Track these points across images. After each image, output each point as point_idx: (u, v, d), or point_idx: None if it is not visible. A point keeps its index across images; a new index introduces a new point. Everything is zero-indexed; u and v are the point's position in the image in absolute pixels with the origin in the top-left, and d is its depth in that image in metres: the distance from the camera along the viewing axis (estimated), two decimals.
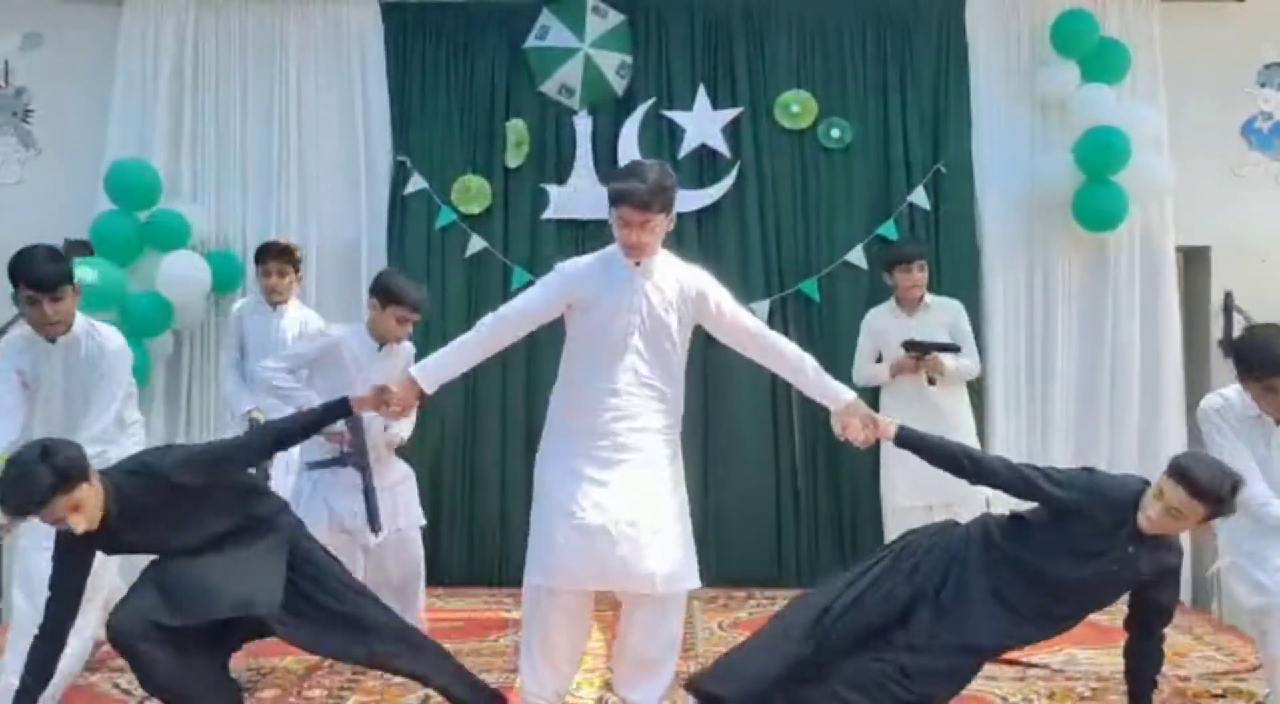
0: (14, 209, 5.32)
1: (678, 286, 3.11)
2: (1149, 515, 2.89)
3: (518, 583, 4.77)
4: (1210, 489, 2.82)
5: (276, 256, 4.47)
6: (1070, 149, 5.02)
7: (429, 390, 3.07)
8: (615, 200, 3.04)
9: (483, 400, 5.20)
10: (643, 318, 3.06)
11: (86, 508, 2.79)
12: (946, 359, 4.50)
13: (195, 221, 5.10)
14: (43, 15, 5.34)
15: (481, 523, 5.19)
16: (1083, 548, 2.93)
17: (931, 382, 4.50)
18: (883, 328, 4.65)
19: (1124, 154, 4.90)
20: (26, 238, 5.04)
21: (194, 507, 2.95)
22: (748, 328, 3.20)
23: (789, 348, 3.21)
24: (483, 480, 5.19)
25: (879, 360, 4.68)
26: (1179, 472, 2.85)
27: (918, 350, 4.49)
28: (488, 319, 3.16)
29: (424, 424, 5.15)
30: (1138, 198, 5.06)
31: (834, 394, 3.15)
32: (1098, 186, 4.97)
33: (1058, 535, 2.97)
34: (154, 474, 2.92)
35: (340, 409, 3.20)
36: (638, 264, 3.08)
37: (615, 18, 5.25)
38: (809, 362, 3.17)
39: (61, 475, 2.74)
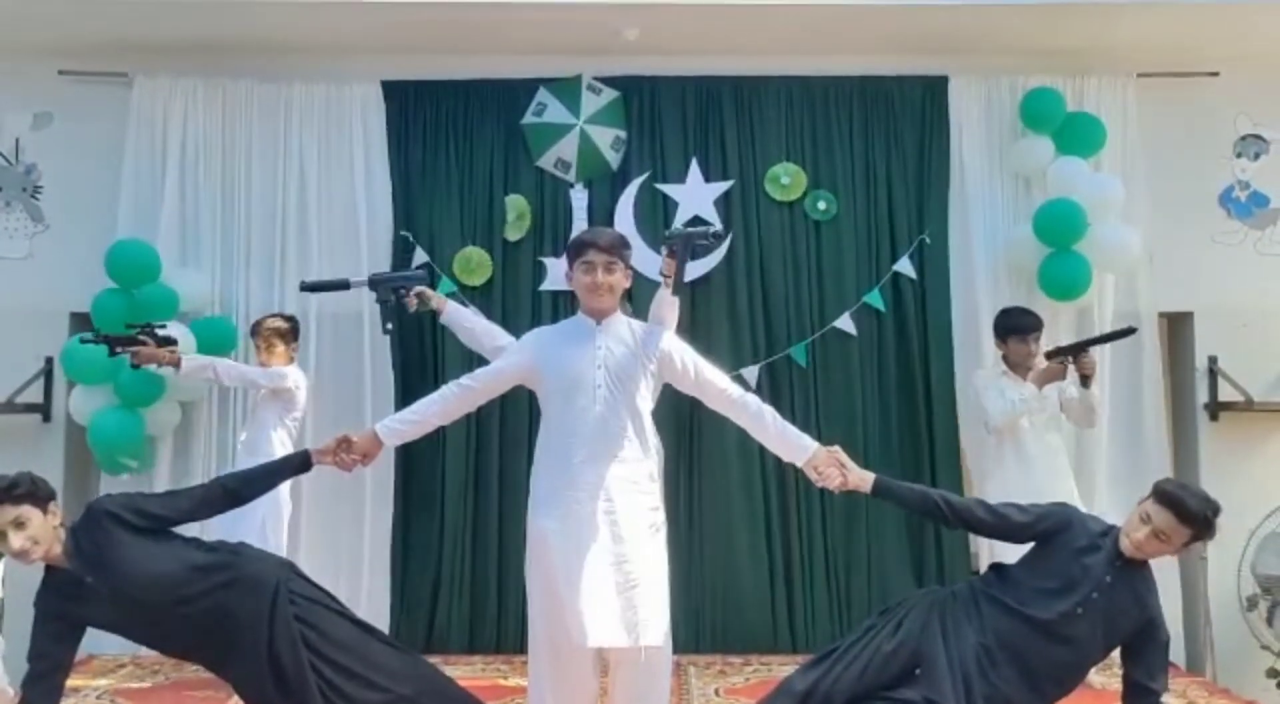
0: (23, 283, 5.43)
1: (640, 342, 3.26)
2: (1135, 539, 3.00)
3: (515, 650, 4.90)
4: (1197, 515, 2.95)
5: (255, 334, 4.76)
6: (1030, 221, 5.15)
7: (390, 445, 3.33)
8: (578, 247, 3.26)
9: (484, 472, 5.27)
10: (608, 371, 3.19)
11: (31, 531, 2.89)
12: (1093, 387, 4.53)
13: (195, 292, 5.19)
14: (53, 95, 5.49)
15: (481, 593, 5.22)
16: (1062, 578, 3.01)
17: (1086, 382, 4.47)
18: (999, 386, 4.59)
19: (1080, 225, 5.01)
20: (35, 310, 5.28)
21: (154, 561, 3.02)
22: (715, 382, 3.32)
23: (752, 401, 3.33)
24: (483, 551, 5.24)
25: None
26: (1165, 497, 2.98)
27: (1064, 354, 4.48)
28: (452, 385, 3.33)
29: (426, 495, 5.28)
30: (1105, 267, 5.16)
31: (798, 445, 3.26)
32: (1061, 257, 5.07)
33: (1040, 575, 3.05)
34: (98, 512, 3.03)
35: (299, 461, 3.33)
36: (599, 322, 3.24)
37: (610, 94, 5.41)
38: (768, 412, 3.29)
39: (11, 483, 2.90)
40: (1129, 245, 5.15)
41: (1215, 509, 3.00)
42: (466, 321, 4.18)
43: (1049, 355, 4.56)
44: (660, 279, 3.59)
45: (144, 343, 4.55)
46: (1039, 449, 4.54)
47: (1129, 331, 4.72)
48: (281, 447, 4.55)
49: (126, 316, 5.00)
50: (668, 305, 3.51)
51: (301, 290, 4.28)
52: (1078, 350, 4.50)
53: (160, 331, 4.62)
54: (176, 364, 4.56)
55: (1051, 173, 5.22)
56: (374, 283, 4.06)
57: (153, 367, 4.64)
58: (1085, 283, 5.10)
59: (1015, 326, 4.63)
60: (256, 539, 4.17)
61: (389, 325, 3.95)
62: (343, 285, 4.18)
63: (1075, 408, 4.62)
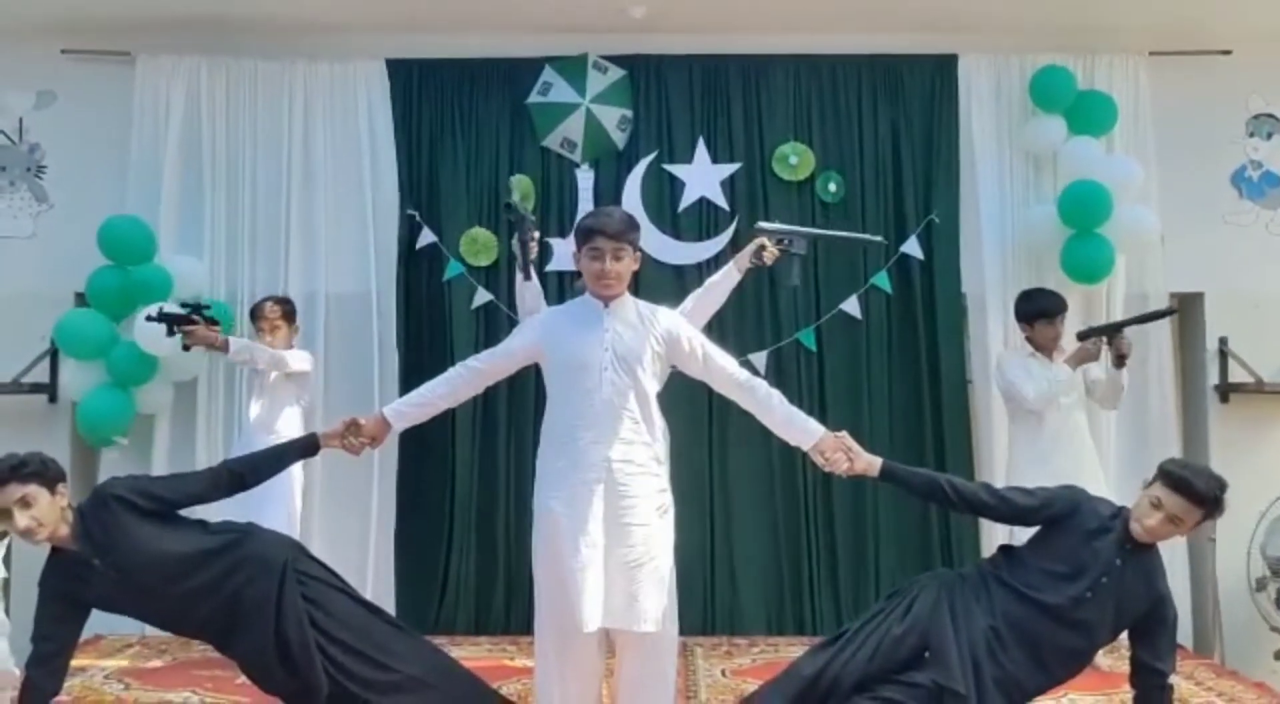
0: (27, 262, 5.42)
1: (648, 324, 3.24)
2: (1148, 526, 2.99)
3: (522, 630, 4.90)
4: (1207, 495, 2.95)
5: (259, 317, 4.71)
6: (1054, 202, 5.10)
7: (398, 428, 3.33)
8: (586, 234, 3.21)
9: (492, 453, 5.27)
10: (615, 354, 3.16)
11: (38, 511, 2.89)
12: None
13: (194, 272, 5.16)
14: (56, 74, 5.46)
15: (488, 574, 5.23)
16: (1072, 562, 3.00)
17: (1120, 363, 4.39)
18: (1027, 367, 4.50)
19: (1106, 207, 4.97)
20: (40, 289, 5.28)
21: (162, 544, 3.03)
22: (722, 366, 3.30)
23: (760, 385, 3.31)
24: (490, 531, 5.24)
25: None
26: (1174, 481, 2.97)
27: (1097, 334, 4.41)
28: (459, 367, 3.32)
29: (433, 477, 5.28)
30: (1124, 248, 5.13)
31: (804, 429, 3.24)
32: (1084, 239, 5.04)
33: (1049, 558, 3.04)
34: (106, 494, 3.04)
35: (307, 445, 3.33)
36: (607, 305, 3.21)
37: (616, 73, 5.37)
38: (776, 397, 3.27)
39: (20, 462, 2.90)
40: (1147, 226, 5.12)
41: (1223, 486, 3.00)
42: (539, 290, 4.20)
43: (1081, 336, 4.49)
44: (738, 266, 3.80)
45: (196, 322, 4.46)
46: (1066, 431, 4.45)
47: (1169, 312, 4.69)
48: (296, 427, 4.55)
49: (123, 295, 4.98)
50: (720, 295, 3.71)
51: (504, 209, 4.39)
52: (1113, 331, 4.43)
53: (206, 312, 4.53)
54: (225, 348, 4.48)
55: (1064, 153, 5.17)
56: (526, 220, 4.02)
57: (202, 348, 4.55)
58: (1109, 265, 5.06)
59: (1042, 309, 4.54)
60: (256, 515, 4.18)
61: (530, 274, 4.01)
62: (520, 219, 4.06)
63: (1102, 389, 4.57)
